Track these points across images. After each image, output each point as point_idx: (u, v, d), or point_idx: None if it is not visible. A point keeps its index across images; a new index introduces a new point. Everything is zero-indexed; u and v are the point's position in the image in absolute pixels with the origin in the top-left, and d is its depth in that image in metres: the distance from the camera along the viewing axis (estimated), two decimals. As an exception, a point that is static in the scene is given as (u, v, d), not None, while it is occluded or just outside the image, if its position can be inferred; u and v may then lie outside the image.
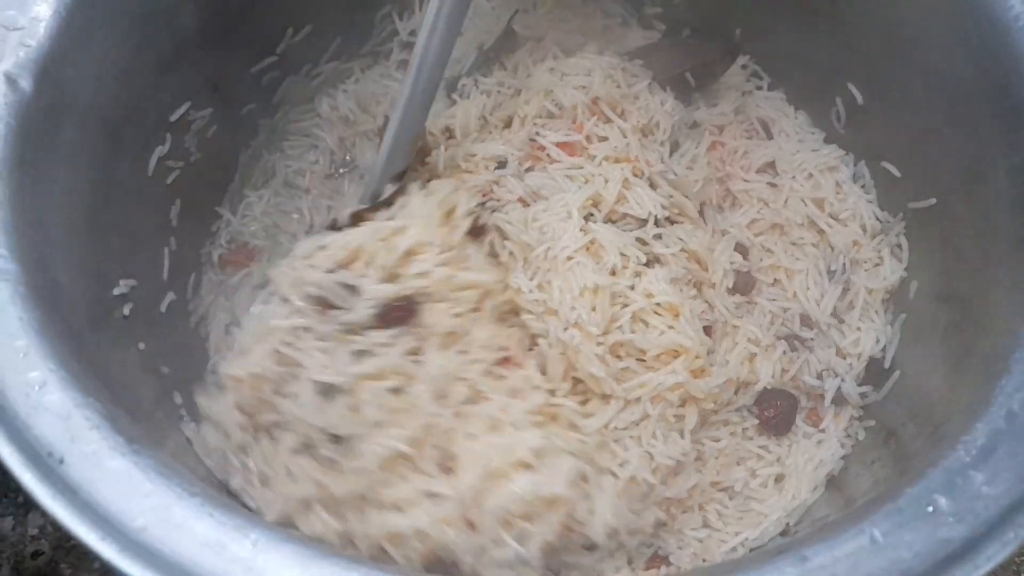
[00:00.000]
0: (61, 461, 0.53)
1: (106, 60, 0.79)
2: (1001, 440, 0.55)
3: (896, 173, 0.89)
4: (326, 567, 0.50)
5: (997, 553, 0.49)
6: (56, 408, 0.55)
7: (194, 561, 0.50)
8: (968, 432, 0.55)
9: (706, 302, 0.80)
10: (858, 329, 0.85)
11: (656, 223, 0.81)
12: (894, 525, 0.52)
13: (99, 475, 0.52)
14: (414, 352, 0.74)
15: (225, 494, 0.72)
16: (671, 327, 0.75)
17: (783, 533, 0.78)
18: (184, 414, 0.81)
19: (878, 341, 0.84)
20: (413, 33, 1.04)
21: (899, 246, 0.88)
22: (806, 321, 0.86)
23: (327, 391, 0.73)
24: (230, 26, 0.91)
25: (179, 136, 0.91)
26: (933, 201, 0.83)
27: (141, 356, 0.80)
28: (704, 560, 0.75)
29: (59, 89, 0.74)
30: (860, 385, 0.84)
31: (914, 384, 0.79)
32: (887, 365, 0.83)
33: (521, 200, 0.83)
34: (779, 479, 0.81)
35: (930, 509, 0.52)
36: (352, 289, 0.76)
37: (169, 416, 0.80)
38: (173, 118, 0.90)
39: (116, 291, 0.79)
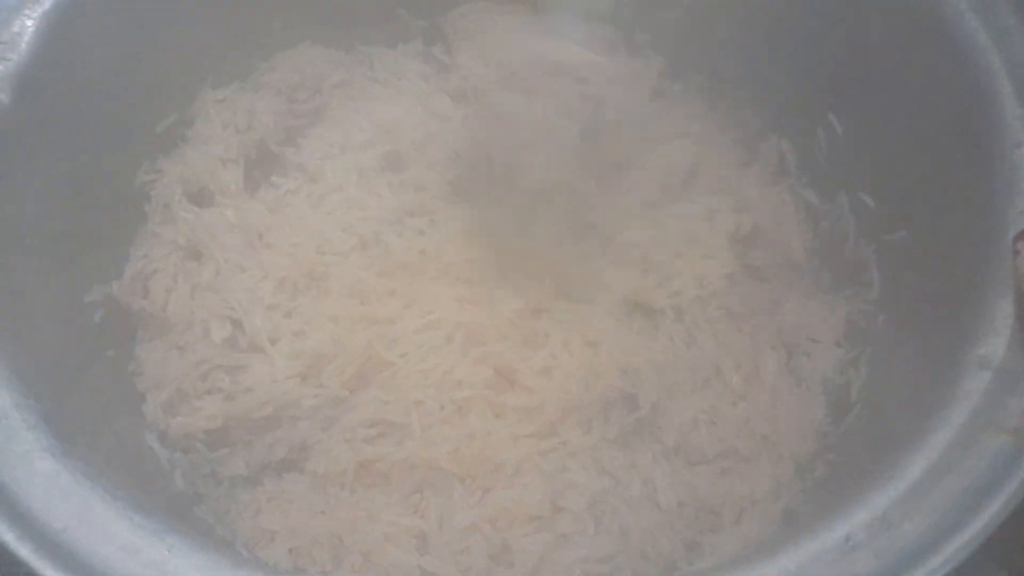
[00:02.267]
0: (-9, 462, 0.54)
1: (90, 74, 0.81)
2: (927, 477, 0.53)
3: (871, 203, 0.88)
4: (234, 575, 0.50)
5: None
6: (-6, 408, 0.56)
7: (108, 564, 0.51)
8: (895, 469, 0.54)
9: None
10: None
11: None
12: (811, 558, 0.51)
13: (27, 475, 0.54)
14: None
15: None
16: None
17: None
18: (151, 426, 0.82)
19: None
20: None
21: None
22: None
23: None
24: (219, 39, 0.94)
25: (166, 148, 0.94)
26: (903, 234, 0.82)
27: (110, 363, 0.82)
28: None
29: (40, 103, 0.77)
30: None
31: (874, 416, 0.77)
32: (852, 398, 0.82)
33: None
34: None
35: (849, 544, 0.51)
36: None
37: (135, 426, 0.82)
38: (159, 130, 0.92)
39: (88, 298, 0.82)
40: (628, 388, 0.79)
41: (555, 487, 0.76)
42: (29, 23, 0.76)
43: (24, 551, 0.50)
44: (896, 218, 0.84)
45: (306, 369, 0.82)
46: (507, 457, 0.77)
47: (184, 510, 0.74)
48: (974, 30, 0.72)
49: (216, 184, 0.91)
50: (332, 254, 0.89)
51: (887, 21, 0.80)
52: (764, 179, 1.00)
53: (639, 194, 0.94)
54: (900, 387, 0.75)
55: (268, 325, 0.85)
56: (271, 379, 0.81)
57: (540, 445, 0.78)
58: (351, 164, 0.95)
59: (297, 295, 0.88)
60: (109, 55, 0.83)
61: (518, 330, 0.84)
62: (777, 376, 0.85)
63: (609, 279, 0.87)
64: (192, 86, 0.95)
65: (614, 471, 0.79)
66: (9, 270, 0.72)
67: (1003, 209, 0.65)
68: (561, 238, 0.91)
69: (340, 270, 0.88)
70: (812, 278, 0.94)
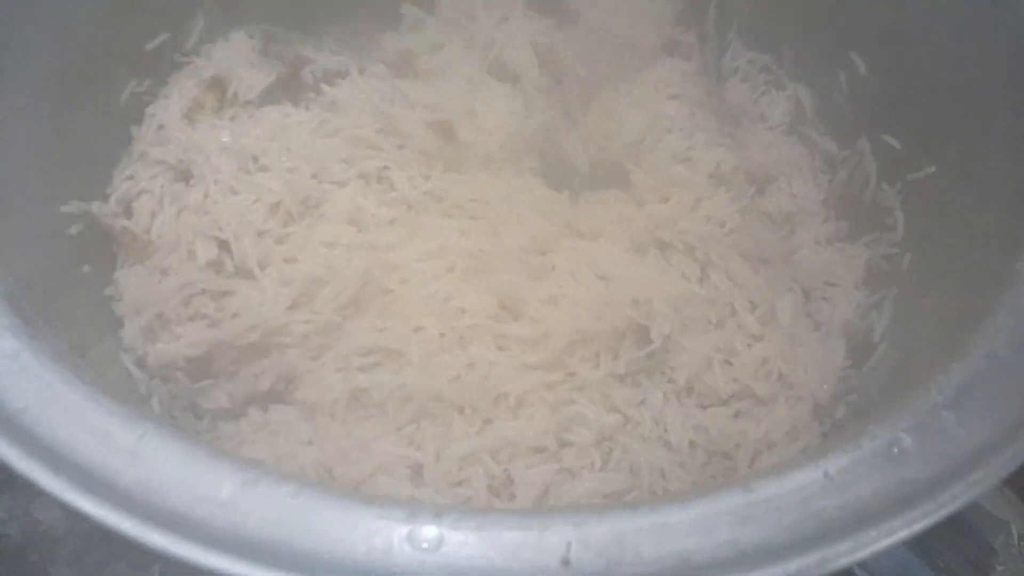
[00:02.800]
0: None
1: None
2: (979, 381, 0.49)
3: (896, 145, 0.84)
4: (212, 465, 0.45)
5: (962, 494, 0.44)
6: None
7: (74, 448, 0.45)
8: (944, 372, 0.50)
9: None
10: None
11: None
12: (852, 462, 0.46)
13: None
14: None
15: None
16: None
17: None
18: (128, 350, 0.77)
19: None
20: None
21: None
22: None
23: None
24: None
25: (157, 68, 0.89)
26: (932, 170, 0.78)
27: (85, 279, 0.77)
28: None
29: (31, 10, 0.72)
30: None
31: (901, 357, 0.73)
32: (876, 340, 0.78)
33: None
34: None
35: (895, 450, 0.47)
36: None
37: (111, 351, 0.77)
38: (149, 47, 0.88)
39: (65, 209, 0.76)
40: (640, 319, 0.74)
41: (561, 420, 0.71)
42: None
43: (-25, 427, 0.44)
44: (924, 156, 0.80)
45: (297, 296, 0.77)
46: (510, 388, 0.72)
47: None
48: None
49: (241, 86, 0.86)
50: (330, 182, 0.84)
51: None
52: (780, 128, 0.96)
53: (640, 137, 0.90)
54: (931, 325, 0.70)
55: (258, 251, 0.79)
56: (259, 304, 0.76)
57: (546, 377, 0.73)
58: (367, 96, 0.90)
59: (290, 222, 0.83)
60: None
61: (524, 263, 0.79)
62: (795, 318, 0.80)
63: (619, 215, 0.82)
64: (189, 4, 0.90)
65: (623, 408, 0.74)
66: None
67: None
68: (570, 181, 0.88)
69: (337, 196, 0.83)
70: (830, 227, 0.90)
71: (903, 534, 0.42)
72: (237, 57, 0.90)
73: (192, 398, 0.75)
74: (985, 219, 0.67)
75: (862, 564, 0.45)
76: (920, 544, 0.84)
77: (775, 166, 0.93)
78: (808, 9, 0.94)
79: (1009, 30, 0.69)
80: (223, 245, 0.79)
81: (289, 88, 0.92)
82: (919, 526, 0.43)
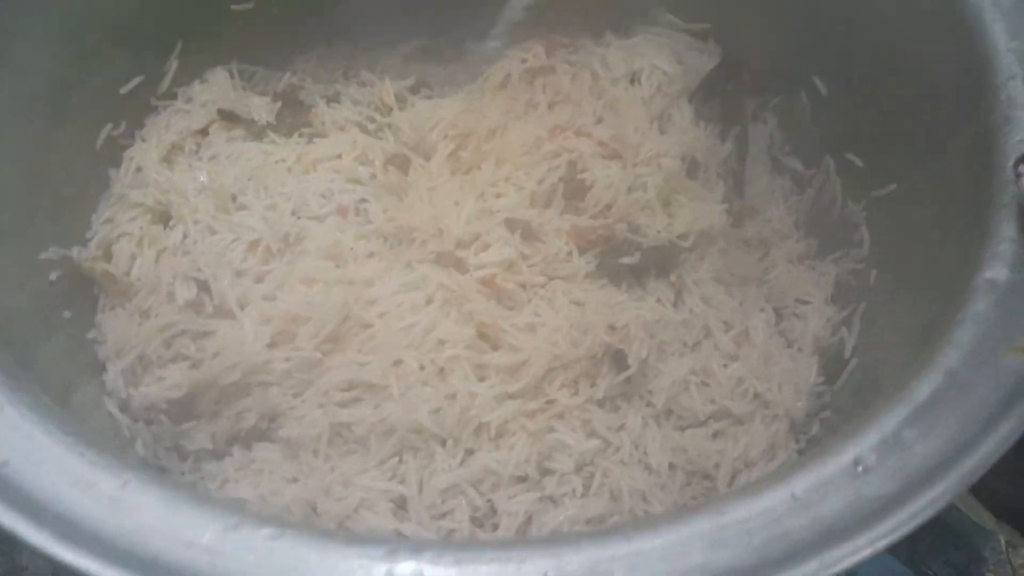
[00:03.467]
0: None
1: (53, 20, 0.78)
2: (938, 398, 0.51)
3: (859, 163, 0.87)
4: (194, 510, 0.46)
5: (923, 511, 0.45)
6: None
7: (57, 499, 0.46)
8: (906, 389, 0.51)
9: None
10: None
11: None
12: (818, 482, 0.47)
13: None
14: None
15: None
16: None
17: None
18: (111, 393, 0.78)
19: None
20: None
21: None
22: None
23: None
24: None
25: (131, 111, 0.90)
26: (894, 187, 0.81)
27: (66, 324, 0.77)
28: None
29: (4, 54, 0.73)
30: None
31: (871, 372, 0.75)
32: (847, 355, 0.79)
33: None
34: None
35: (859, 468, 0.48)
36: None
37: (94, 396, 0.77)
38: (124, 91, 0.89)
39: (43, 255, 0.77)
40: (616, 344, 0.76)
41: (542, 448, 0.73)
42: (-8, -32, 0.72)
43: (-41, 483, 0.45)
44: (885, 173, 0.82)
45: (277, 333, 0.78)
46: (491, 418, 0.73)
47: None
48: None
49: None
50: (308, 217, 0.86)
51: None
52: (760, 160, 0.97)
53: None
54: (898, 339, 0.72)
55: (237, 290, 0.80)
56: (239, 343, 0.77)
57: (526, 406, 0.74)
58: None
59: (270, 259, 0.84)
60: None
61: (501, 291, 0.80)
62: (768, 337, 0.82)
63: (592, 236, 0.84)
64: (162, 47, 0.91)
65: (603, 432, 0.75)
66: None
67: (1002, 141, 0.63)
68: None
69: (316, 232, 0.84)
70: (801, 245, 0.92)
71: (867, 552, 0.44)
72: (225, 92, 0.91)
73: (176, 440, 0.75)
74: (944, 235, 0.68)
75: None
76: (909, 554, 0.86)
77: (758, 197, 0.94)
78: (770, 34, 0.96)
79: (965, 50, 0.71)
80: (202, 285, 0.80)
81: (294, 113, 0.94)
82: (883, 543, 0.44)
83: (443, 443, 0.73)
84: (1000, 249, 0.57)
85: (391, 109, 0.96)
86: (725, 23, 0.96)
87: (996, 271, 0.56)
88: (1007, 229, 0.58)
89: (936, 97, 0.74)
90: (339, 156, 0.89)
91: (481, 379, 0.76)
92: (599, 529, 0.66)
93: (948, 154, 0.71)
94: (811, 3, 0.88)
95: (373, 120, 0.95)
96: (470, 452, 0.72)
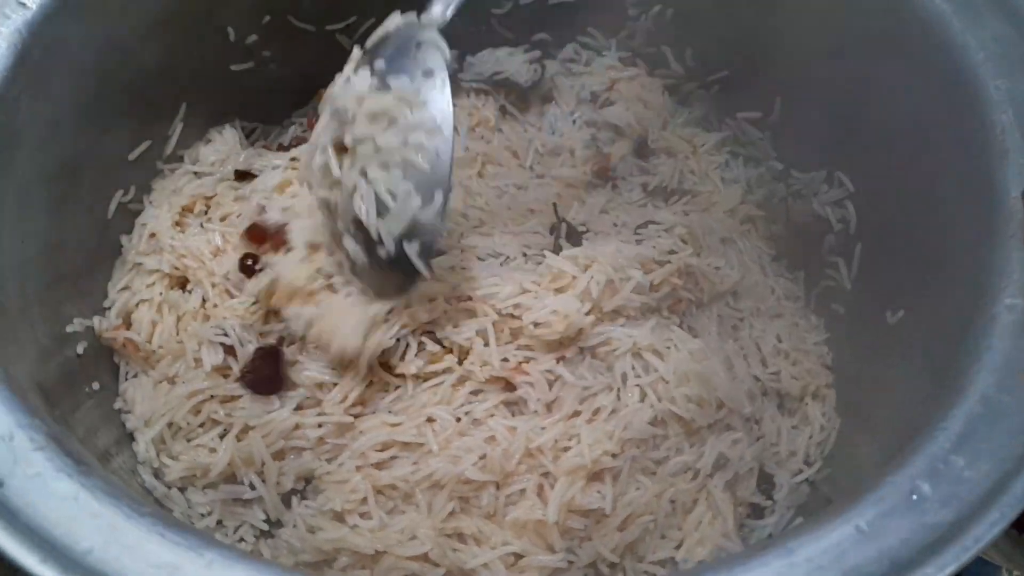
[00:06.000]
0: (1, 484, 0.49)
1: (62, 95, 0.78)
2: (978, 424, 0.54)
3: (853, 214, 0.89)
4: (286, 583, 0.47)
5: (985, 534, 0.48)
6: (-1, 430, 0.52)
7: (145, 584, 0.46)
8: (945, 420, 0.54)
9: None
10: None
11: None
12: (879, 514, 0.50)
13: (43, 497, 0.49)
14: None
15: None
16: None
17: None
18: (142, 460, 0.77)
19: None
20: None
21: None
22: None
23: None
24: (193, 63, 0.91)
25: (139, 175, 0.90)
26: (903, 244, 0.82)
27: (97, 398, 0.77)
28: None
29: (12, 123, 0.73)
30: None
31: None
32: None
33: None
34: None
35: (914, 497, 0.51)
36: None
37: (128, 464, 0.77)
38: (132, 157, 0.89)
39: (69, 328, 0.77)
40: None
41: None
42: (3, 43, 0.72)
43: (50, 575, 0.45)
44: (887, 232, 0.84)
45: (303, 399, 0.78)
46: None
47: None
48: (945, 13, 0.75)
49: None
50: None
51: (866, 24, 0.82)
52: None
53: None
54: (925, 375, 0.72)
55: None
56: (265, 410, 0.77)
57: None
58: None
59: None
60: (81, 75, 0.79)
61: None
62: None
63: None
64: (167, 111, 0.92)
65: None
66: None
67: (1000, 174, 0.67)
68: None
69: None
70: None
71: (937, 579, 0.46)
72: (234, 150, 0.93)
73: (216, 507, 0.75)
74: (953, 270, 0.71)
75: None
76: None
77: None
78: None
79: (953, 87, 0.75)
80: (228, 349, 0.80)
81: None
82: (951, 569, 0.47)
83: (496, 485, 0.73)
84: (1015, 277, 0.60)
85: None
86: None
87: (1014, 298, 0.59)
88: (1018, 258, 0.61)
89: (927, 133, 0.77)
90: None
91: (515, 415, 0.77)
92: (677, 571, 0.68)
93: (945, 189, 0.74)
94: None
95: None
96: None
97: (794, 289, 0.95)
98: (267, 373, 0.77)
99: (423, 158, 0.70)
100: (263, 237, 0.83)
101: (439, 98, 0.72)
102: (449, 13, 0.74)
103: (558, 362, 0.77)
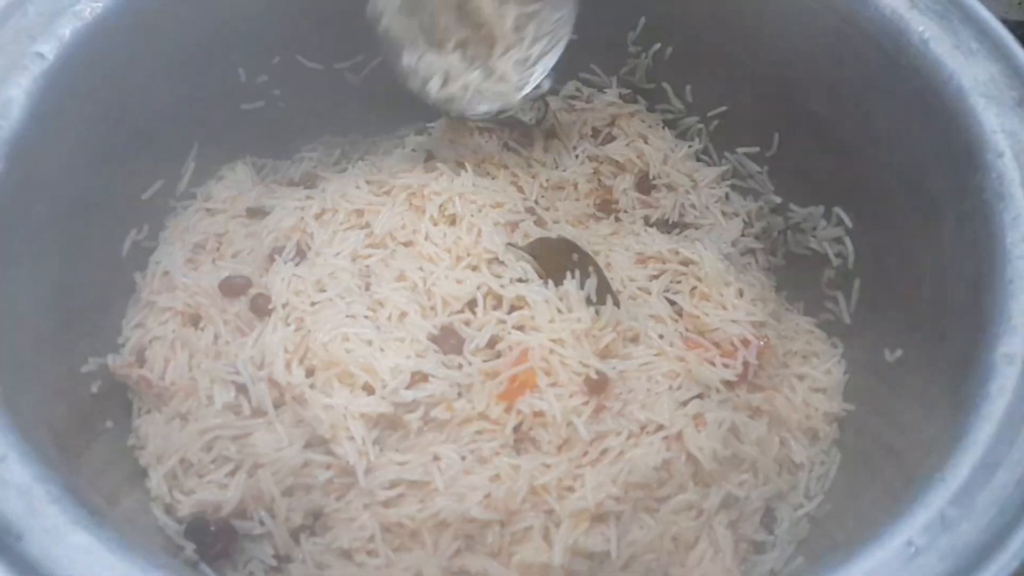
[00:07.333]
0: (19, 537, 0.51)
1: (79, 139, 0.80)
2: (976, 475, 0.55)
3: (850, 254, 0.91)
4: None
5: (982, 587, 0.49)
6: (16, 482, 0.53)
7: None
8: (942, 470, 0.55)
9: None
10: None
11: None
12: (874, 567, 0.51)
13: (60, 550, 0.51)
14: None
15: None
16: None
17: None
18: (156, 500, 0.79)
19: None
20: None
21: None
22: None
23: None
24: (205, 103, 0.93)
25: (152, 214, 0.92)
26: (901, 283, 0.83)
27: (110, 435, 0.79)
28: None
29: (30, 168, 0.74)
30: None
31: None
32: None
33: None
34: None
35: (912, 549, 0.52)
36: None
37: (141, 501, 0.78)
38: (146, 196, 0.91)
39: (84, 368, 0.78)
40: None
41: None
42: (20, 90, 0.74)
43: (67, 630, 0.47)
44: (885, 269, 0.85)
45: (312, 436, 0.79)
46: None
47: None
48: (940, 56, 0.76)
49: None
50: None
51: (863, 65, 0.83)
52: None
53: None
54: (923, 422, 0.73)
55: (274, 393, 0.81)
56: (275, 448, 0.78)
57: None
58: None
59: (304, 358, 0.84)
60: (96, 119, 0.81)
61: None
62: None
63: None
64: (179, 150, 0.94)
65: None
66: (5, 343, 0.69)
67: (996, 219, 0.68)
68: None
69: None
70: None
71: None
72: (245, 186, 0.94)
73: (228, 544, 0.76)
74: (950, 318, 0.71)
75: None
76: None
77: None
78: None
79: (951, 130, 0.76)
80: (240, 388, 0.81)
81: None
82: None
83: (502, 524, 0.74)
84: (1013, 324, 0.61)
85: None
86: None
87: (1012, 346, 0.60)
88: (1017, 304, 0.62)
89: (925, 176, 0.78)
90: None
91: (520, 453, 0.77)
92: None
93: (942, 232, 0.75)
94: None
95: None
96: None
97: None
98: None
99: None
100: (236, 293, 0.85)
101: None
102: None
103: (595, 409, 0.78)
